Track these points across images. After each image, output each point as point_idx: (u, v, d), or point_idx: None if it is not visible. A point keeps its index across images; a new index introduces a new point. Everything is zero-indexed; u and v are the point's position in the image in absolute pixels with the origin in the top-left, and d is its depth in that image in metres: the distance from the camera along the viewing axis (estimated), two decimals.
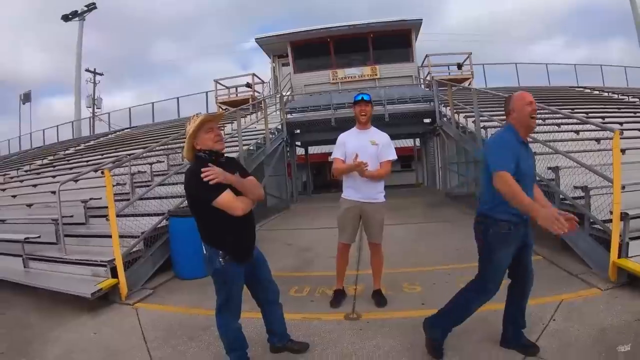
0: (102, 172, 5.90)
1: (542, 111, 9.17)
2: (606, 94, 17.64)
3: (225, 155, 3.36)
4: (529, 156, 3.25)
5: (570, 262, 5.48)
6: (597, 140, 7.72)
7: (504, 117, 7.15)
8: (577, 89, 19.74)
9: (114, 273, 5.55)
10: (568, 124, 9.24)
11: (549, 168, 6.54)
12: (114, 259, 5.55)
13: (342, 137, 4.74)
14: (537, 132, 7.61)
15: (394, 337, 3.82)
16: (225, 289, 3.22)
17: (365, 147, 4.49)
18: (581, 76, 21.96)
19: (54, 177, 13.38)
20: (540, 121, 9.66)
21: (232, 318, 3.30)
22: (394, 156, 4.59)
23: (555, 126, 9.49)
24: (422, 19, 20.43)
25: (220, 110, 20.55)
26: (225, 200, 2.96)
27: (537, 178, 6.45)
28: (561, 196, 6.07)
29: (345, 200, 4.68)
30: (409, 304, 4.52)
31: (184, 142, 3.25)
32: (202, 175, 2.89)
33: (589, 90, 18.90)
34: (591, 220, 5.35)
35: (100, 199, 8.07)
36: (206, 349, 3.86)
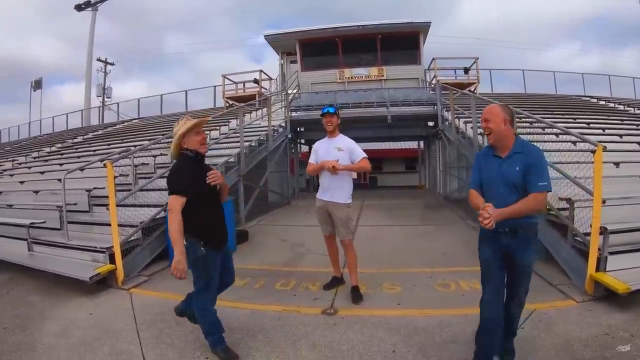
0: (104, 164, 6.10)
1: (527, 119, 9.32)
2: (612, 105, 17.60)
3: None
4: (496, 166, 3.26)
5: (552, 272, 5.56)
6: (593, 152, 7.74)
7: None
8: (582, 98, 19.75)
9: (112, 259, 5.84)
10: (563, 134, 9.34)
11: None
12: (113, 246, 5.83)
13: (316, 145, 5.43)
14: (532, 142, 7.72)
15: (364, 333, 4.03)
16: (206, 275, 3.53)
17: (329, 152, 5.10)
18: (590, 85, 21.97)
19: (61, 164, 13.66)
20: (540, 130, 9.81)
21: (209, 302, 3.62)
22: (363, 154, 5.05)
23: (554, 136, 9.60)
24: (430, 22, 20.45)
25: (227, 104, 20.75)
26: (175, 202, 3.31)
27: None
28: (547, 207, 6.11)
29: (317, 199, 5.29)
30: (385, 303, 4.74)
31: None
32: (209, 179, 3.45)
33: (594, 100, 18.91)
34: (574, 233, 5.43)
35: (103, 188, 8.29)
36: (190, 333, 4.09)
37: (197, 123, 3.54)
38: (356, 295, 4.94)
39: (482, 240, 3.38)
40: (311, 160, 5.33)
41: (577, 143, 8.79)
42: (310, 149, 18.91)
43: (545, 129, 10.00)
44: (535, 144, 7.22)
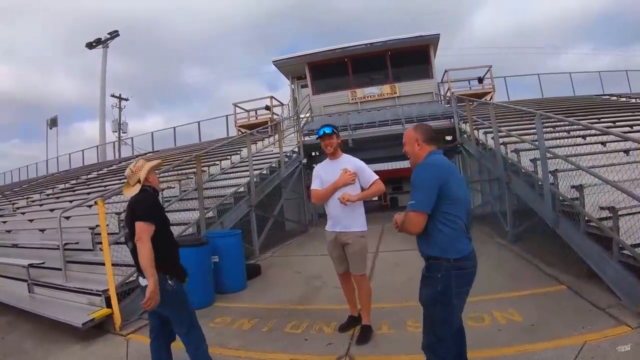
0: (95, 202, 5.80)
1: (559, 123, 8.80)
2: (633, 101, 17.08)
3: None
4: None
5: (596, 292, 4.91)
6: (626, 152, 7.12)
7: (526, 131, 6.62)
8: (602, 97, 19.19)
9: (109, 302, 5.42)
10: (591, 135, 8.78)
11: (573, 186, 6.00)
12: (108, 289, 5.44)
13: (317, 169, 4.89)
14: (556, 147, 7.16)
15: None
16: (186, 307, 3.55)
17: (336, 175, 4.54)
18: (607, 84, 21.51)
19: (71, 201, 13.38)
20: (565, 134, 9.26)
21: (202, 338, 3.62)
22: (375, 176, 4.57)
23: (581, 138, 9.02)
24: (439, 34, 20.20)
25: (240, 132, 20.56)
26: (146, 229, 3.28)
27: (560, 198, 6.08)
28: (586, 218, 5.51)
29: (327, 233, 4.74)
30: (411, 346, 3.90)
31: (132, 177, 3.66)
32: None
33: (615, 98, 18.34)
34: (620, 245, 4.78)
35: (108, 225, 7.96)
36: None
37: (156, 165, 3.78)
38: (365, 336, 4.38)
39: None
40: (314, 185, 4.75)
41: (607, 144, 8.23)
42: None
43: (571, 132, 9.47)
44: (558, 150, 6.78)
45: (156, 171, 3.77)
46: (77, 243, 7.50)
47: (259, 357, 4.21)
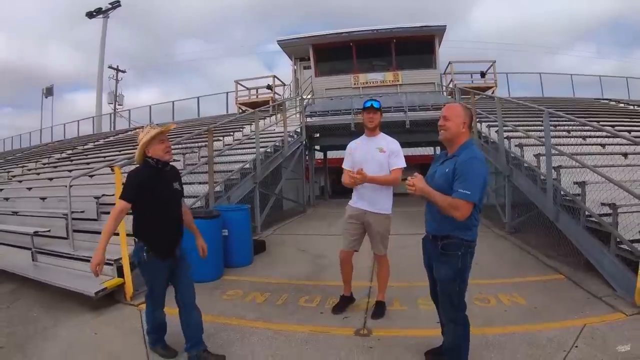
0: (112, 169, 5.77)
1: (569, 123, 8.97)
2: (631, 107, 17.19)
3: (172, 166, 3.87)
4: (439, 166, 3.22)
5: (594, 283, 5.17)
6: (625, 155, 7.39)
7: (530, 127, 6.67)
8: (602, 101, 19.38)
9: (121, 272, 5.46)
10: (594, 136, 8.95)
11: (575, 183, 6.24)
12: (121, 258, 5.47)
13: (351, 146, 4.77)
14: (563, 145, 7.34)
15: (405, 358, 3.63)
16: (147, 280, 3.74)
17: (372, 154, 4.48)
18: (606, 88, 21.62)
19: (70, 171, 13.42)
20: (565, 133, 9.44)
21: (155, 307, 3.75)
22: (403, 164, 4.47)
23: (581, 139, 9.22)
24: (445, 26, 20.24)
25: (240, 110, 20.54)
26: (117, 205, 3.52)
27: (562, 192, 6.26)
28: (587, 213, 5.74)
29: (349, 207, 4.66)
30: (424, 322, 4.23)
31: (138, 148, 3.62)
32: None
33: (614, 103, 18.48)
34: (618, 240, 5.02)
35: (112, 195, 8.00)
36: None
37: (160, 132, 3.58)
38: (380, 311, 4.52)
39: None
40: (345, 165, 4.66)
41: (606, 146, 8.44)
42: (325, 155, 18.51)
43: (571, 132, 9.66)
44: (561, 148, 6.96)
45: (161, 139, 3.59)
46: (82, 212, 7.49)
47: (277, 329, 4.29)
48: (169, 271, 3.64)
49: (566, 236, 6.26)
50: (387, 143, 4.53)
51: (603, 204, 5.59)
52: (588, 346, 3.62)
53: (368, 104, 4.54)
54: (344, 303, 4.73)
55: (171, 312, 3.82)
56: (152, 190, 3.47)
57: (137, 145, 3.59)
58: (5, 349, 4.10)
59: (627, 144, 7.32)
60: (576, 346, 3.61)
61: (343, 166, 4.67)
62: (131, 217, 6.22)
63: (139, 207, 3.50)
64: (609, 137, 8.34)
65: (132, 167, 7.97)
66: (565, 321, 4.14)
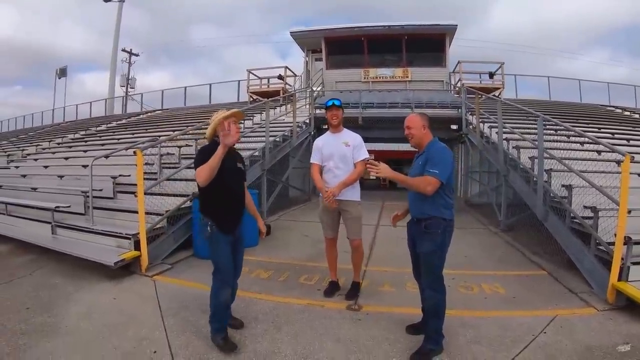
0: (135, 152, 6.17)
1: (556, 127, 9.26)
2: (637, 116, 17.35)
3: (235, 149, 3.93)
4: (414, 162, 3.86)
5: (573, 280, 5.55)
6: (618, 162, 7.68)
7: (529, 130, 7.09)
8: (607, 108, 19.55)
9: (137, 246, 5.90)
10: (589, 143, 9.25)
11: (563, 185, 6.59)
12: (138, 233, 5.89)
13: (318, 142, 5.08)
14: (555, 149, 7.74)
15: (389, 330, 4.05)
16: (214, 254, 3.73)
17: (338, 148, 4.84)
18: (614, 95, 21.69)
19: (85, 151, 13.85)
20: (565, 138, 9.74)
21: (221, 285, 3.70)
22: (365, 155, 4.83)
23: (579, 144, 9.56)
24: (457, 25, 20.42)
25: (252, 99, 20.82)
26: (199, 170, 3.40)
27: (551, 194, 6.62)
28: (571, 215, 6.10)
29: (322, 199, 4.96)
30: (410, 302, 4.61)
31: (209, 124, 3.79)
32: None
33: (619, 111, 18.66)
34: (597, 241, 5.37)
35: (129, 176, 8.45)
36: None
37: (236, 113, 3.74)
38: (355, 292, 4.98)
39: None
40: (314, 159, 4.99)
41: (602, 153, 8.77)
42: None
43: (570, 137, 9.95)
44: (556, 152, 7.33)
45: (233, 121, 3.60)
46: (101, 190, 7.92)
47: (279, 301, 4.79)
48: (231, 247, 3.76)
49: (553, 235, 6.61)
50: (351, 138, 4.91)
51: (586, 207, 5.96)
52: (555, 334, 3.98)
53: (329, 103, 4.92)
54: (334, 287, 5.12)
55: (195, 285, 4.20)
56: (220, 166, 3.40)
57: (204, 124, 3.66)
58: (32, 309, 4.48)
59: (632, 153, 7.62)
60: (544, 332, 3.98)
61: (311, 161, 5.01)
62: (150, 196, 6.72)
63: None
64: (597, 144, 8.61)
65: (154, 150, 8.50)
66: (539, 310, 4.55)
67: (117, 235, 6.24)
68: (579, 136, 9.00)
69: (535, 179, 7.38)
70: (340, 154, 4.81)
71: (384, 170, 3.40)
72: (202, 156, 3.46)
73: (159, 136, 12.20)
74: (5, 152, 18.00)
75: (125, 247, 6.04)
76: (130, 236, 6.01)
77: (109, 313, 4.42)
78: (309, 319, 4.30)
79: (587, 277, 5.45)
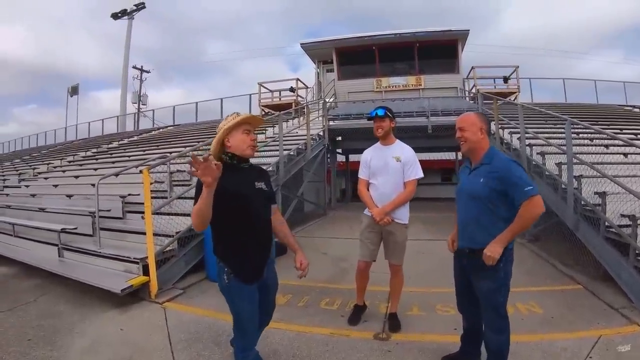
0: (141, 171, 5.90)
1: (586, 130, 8.90)
2: None
3: (254, 164, 3.14)
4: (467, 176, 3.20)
5: (610, 294, 5.15)
6: None
7: (551, 135, 6.68)
8: (625, 107, 19.16)
9: (146, 270, 5.60)
10: (615, 145, 8.89)
11: (596, 193, 6.20)
12: (147, 257, 5.60)
13: (366, 155, 4.59)
14: (580, 154, 7.33)
15: None
16: (232, 308, 2.90)
17: (387, 163, 4.37)
18: (631, 94, 21.26)
19: (95, 169, 13.74)
20: (587, 141, 9.38)
21: (245, 346, 2.96)
22: (420, 174, 4.38)
23: (603, 147, 9.17)
24: (469, 30, 20.19)
25: (263, 112, 20.67)
26: (192, 211, 2.56)
27: (582, 202, 6.23)
28: (606, 224, 5.71)
29: (365, 217, 4.52)
30: (441, 327, 4.29)
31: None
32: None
33: (637, 110, 18.24)
34: (637, 252, 5.00)
35: (138, 195, 8.17)
36: (230, 356, 3.75)
37: (247, 119, 2.87)
38: (393, 323, 4.42)
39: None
40: (362, 174, 4.53)
41: (629, 155, 8.38)
42: (347, 158, 18.45)
43: (594, 140, 9.59)
44: (583, 156, 6.95)
45: (246, 130, 2.87)
46: (109, 210, 7.67)
47: (299, 330, 4.38)
48: (257, 295, 2.92)
49: (585, 246, 6.22)
50: (403, 152, 4.41)
51: (623, 215, 5.57)
52: (602, 358, 3.63)
53: (373, 113, 4.43)
54: (359, 312, 4.66)
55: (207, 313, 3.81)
56: (226, 192, 2.58)
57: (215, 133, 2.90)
58: (33, 341, 4.22)
59: None
60: (590, 357, 3.63)
61: (359, 176, 4.57)
62: (160, 217, 6.43)
63: (214, 217, 2.57)
64: (625, 145, 8.25)
65: (164, 167, 8.24)
66: (581, 331, 4.16)
67: (125, 259, 5.96)
68: (610, 138, 8.57)
69: (564, 186, 7.00)
70: (389, 169, 4.34)
71: (496, 251, 2.86)
72: (199, 188, 2.59)
73: (170, 152, 12.02)
74: (17, 170, 18.09)
75: (133, 272, 5.74)
76: (138, 260, 5.72)
77: (114, 346, 4.12)
78: (333, 351, 3.92)
79: (626, 290, 5.05)
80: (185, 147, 13.73)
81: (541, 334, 4.16)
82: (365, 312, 4.72)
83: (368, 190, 4.50)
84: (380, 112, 4.37)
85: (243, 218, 2.77)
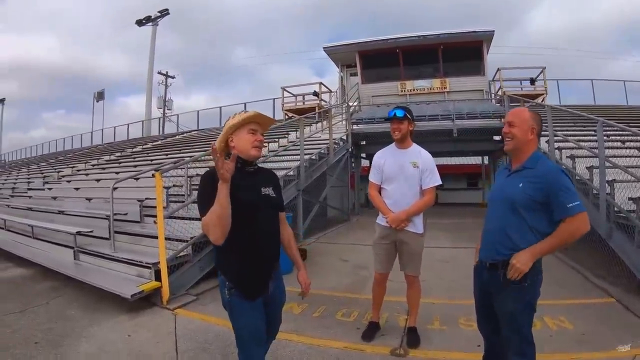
0: (153, 174, 5.79)
1: (622, 132, 8.54)
2: None
3: (263, 167, 2.90)
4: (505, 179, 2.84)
5: None
6: None
7: (581, 137, 6.32)
8: None
9: (159, 276, 5.48)
10: None
11: (630, 199, 5.85)
12: (159, 262, 5.50)
13: (378, 157, 4.31)
14: (616, 157, 6.99)
15: None
16: (234, 326, 2.61)
17: (404, 168, 4.08)
18: None
19: (117, 173, 13.79)
20: (619, 144, 9.01)
21: None
22: (438, 181, 4.09)
23: (636, 150, 8.78)
24: (494, 31, 19.71)
25: (287, 116, 20.54)
26: (204, 221, 2.28)
27: (616, 209, 5.89)
28: None
29: (378, 227, 4.26)
30: (464, 343, 4.00)
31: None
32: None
33: None
34: None
35: (155, 198, 8.10)
36: None
37: (253, 116, 2.63)
38: (415, 338, 4.13)
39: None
40: (374, 179, 4.26)
41: None
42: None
43: (625, 142, 9.22)
44: (615, 160, 6.60)
45: (252, 129, 2.61)
46: (126, 214, 7.64)
47: (311, 343, 4.16)
48: (261, 311, 2.65)
49: (619, 255, 5.86)
50: (421, 157, 4.11)
51: None
52: None
53: (391, 114, 4.11)
54: (374, 330, 4.35)
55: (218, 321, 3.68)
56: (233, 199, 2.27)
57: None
58: (40, 344, 4.15)
59: None
60: None
61: (370, 179, 4.29)
62: (176, 221, 6.33)
63: None
64: None
65: (177, 172, 8.15)
66: (615, 351, 3.82)
67: (138, 264, 5.86)
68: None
69: (595, 191, 6.66)
70: (405, 176, 4.06)
71: (524, 261, 2.51)
72: (205, 192, 2.38)
73: (192, 156, 11.96)
74: (43, 173, 18.33)
75: (145, 277, 5.64)
76: (150, 265, 5.61)
77: (119, 353, 4.01)
78: None
79: None
80: (206, 150, 13.67)
81: (572, 353, 3.84)
82: (380, 330, 4.40)
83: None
84: (400, 113, 4.07)
85: (246, 228, 2.45)
